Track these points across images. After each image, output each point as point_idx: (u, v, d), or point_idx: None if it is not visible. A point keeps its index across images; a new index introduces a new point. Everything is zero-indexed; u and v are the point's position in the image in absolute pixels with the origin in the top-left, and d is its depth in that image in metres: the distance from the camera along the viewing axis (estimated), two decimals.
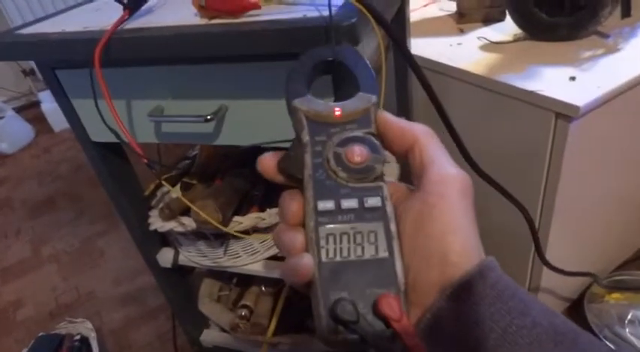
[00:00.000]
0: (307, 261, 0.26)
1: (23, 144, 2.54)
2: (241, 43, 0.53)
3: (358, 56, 0.32)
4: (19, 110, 2.70)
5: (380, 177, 0.29)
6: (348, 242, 0.27)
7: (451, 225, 0.26)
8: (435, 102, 0.67)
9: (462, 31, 1.10)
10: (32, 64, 2.54)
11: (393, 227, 0.27)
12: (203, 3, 0.57)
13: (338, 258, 0.26)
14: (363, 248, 0.27)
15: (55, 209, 1.95)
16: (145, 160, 0.60)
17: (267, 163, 0.30)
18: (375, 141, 0.29)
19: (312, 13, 0.53)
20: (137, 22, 0.61)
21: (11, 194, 2.11)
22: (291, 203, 0.28)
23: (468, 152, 0.73)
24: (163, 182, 0.71)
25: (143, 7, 0.65)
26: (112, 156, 0.82)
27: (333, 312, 0.25)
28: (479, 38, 1.04)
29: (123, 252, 1.62)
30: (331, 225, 0.27)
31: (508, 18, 1.05)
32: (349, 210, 0.27)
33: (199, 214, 0.73)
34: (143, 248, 0.94)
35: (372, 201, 0.28)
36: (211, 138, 0.70)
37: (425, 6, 1.29)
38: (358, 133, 0.29)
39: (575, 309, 1.14)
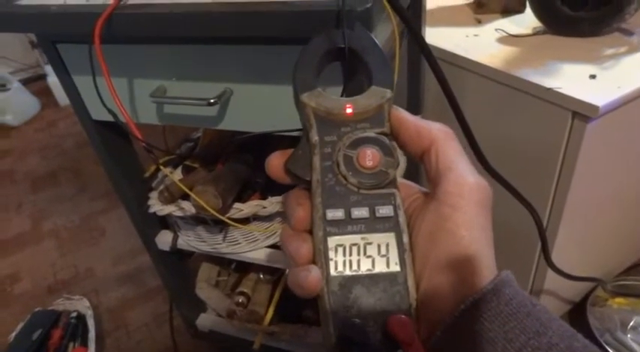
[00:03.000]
0: (315, 275, 0.25)
1: (28, 116, 2.52)
2: (249, 24, 0.51)
3: (372, 43, 0.29)
4: (25, 82, 2.68)
5: (393, 183, 0.27)
6: (358, 254, 0.25)
7: (465, 239, 0.24)
8: (448, 94, 0.64)
9: (479, 22, 1.07)
10: None
11: (405, 238, 0.26)
12: None
13: (347, 272, 0.25)
14: (373, 260, 0.25)
15: (57, 184, 1.94)
16: (144, 144, 0.58)
17: (274, 164, 0.28)
18: (389, 143, 0.27)
19: None
20: None
21: (14, 167, 2.11)
22: (298, 208, 0.26)
23: (479, 147, 0.71)
24: (161, 167, 0.68)
25: None
26: (113, 135, 0.80)
27: (342, 332, 0.24)
28: (496, 30, 1.00)
29: (123, 230, 1.61)
30: (340, 236, 0.25)
31: (528, 10, 1.01)
32: (360, 220, 0.26)
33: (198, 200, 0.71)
34: (142, 229, 0.93)
35: (384, 211, 0.26)
36: (214, 122, 0.67)
37: None
38: (371, 133, 0.27)
39: (578, 312, 1.12)
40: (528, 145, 0.88)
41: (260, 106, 0.63)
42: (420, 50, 0.56)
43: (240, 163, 0.85)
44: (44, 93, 2.60)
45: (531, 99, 0.81)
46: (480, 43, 0.97)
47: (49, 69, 2.61)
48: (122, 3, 0.56)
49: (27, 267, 1.55)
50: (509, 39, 0.97)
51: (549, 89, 0.77)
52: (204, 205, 0.68)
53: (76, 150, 2.16)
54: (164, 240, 0.93)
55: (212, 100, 0.61)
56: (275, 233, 0.84)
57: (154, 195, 0.85)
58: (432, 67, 0.57)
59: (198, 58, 0.62)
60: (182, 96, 0.65)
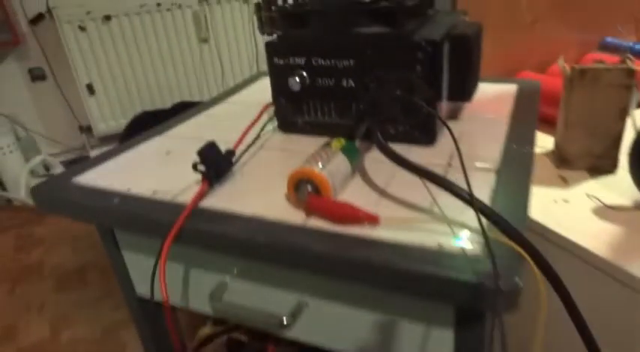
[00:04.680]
0: None
1: None
2: (347, 270, 0.41)
3: None
4: (67, 164, 2.69)
5: None
6: None
7: None
8: (561, 294, 0.51)
9: (564, 181, 0.96)
10: (89, 121, 2.55)
11: None
12: (303, 197, 0.46)
13: None
14: None
15: (84, 283, 1.85)
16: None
17: None
18: None
19: (448, 241, 0.40)
20: (216, 200, 0.50)
21: (44, 258, 2.04)
22: None
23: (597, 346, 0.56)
24: None
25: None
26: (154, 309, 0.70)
27: None
28: (589, 196, 0.90)
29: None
30: None
31: (620, 172, 0.90)
32: None
33: None
34: None
35: None
36: (281, 331, 0.56)
37: None
38: None
39: None
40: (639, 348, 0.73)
41: (336, 323, 0.52)
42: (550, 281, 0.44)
43: (292, 346, 0.73)
44: None
45: None
46: (573, 213, 0.85)
47: (93, 154, 2.63)
48: (196, 209, 0.48)
49: None
50: (606, 211, 0.85)
51: None
52: None
53: None
54: None
55: (285, 322, 0.50)
56: None
57: None
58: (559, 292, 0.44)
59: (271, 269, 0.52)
60: (248, 307, 0.54)
